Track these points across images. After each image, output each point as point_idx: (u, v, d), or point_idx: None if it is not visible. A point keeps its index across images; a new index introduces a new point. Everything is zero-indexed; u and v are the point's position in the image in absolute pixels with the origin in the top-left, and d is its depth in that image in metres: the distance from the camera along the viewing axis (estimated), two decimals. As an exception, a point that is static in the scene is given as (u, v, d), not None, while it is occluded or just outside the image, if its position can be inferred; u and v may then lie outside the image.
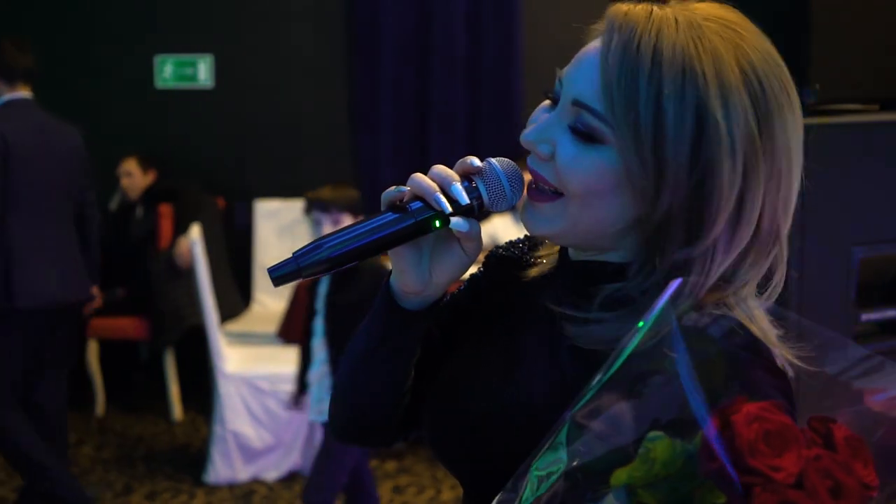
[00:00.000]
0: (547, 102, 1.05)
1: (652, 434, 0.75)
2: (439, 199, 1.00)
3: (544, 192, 1.01)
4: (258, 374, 4.49)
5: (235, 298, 5.62)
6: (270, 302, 5.83)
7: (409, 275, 1.05)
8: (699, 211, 0.94)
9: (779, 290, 1.04)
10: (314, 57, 5.85)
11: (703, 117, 0.92)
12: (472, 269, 1.17)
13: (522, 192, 1.04)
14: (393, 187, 1.02)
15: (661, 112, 0.92)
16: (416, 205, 1.01)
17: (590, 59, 0.99)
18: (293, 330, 4.84)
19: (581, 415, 0.81)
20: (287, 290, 5.62)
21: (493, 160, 1.04)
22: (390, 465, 4.77)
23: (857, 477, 0.74)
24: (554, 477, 0.79)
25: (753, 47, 0.95)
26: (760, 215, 0.97)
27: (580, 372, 0.92)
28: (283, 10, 5.87)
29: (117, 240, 5.66)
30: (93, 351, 5.43)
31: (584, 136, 0.97)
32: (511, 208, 1.06)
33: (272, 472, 4.55)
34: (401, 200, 1.01)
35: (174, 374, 5.43)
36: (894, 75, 1.76)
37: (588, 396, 0.81)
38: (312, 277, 1.00)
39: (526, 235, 1.21)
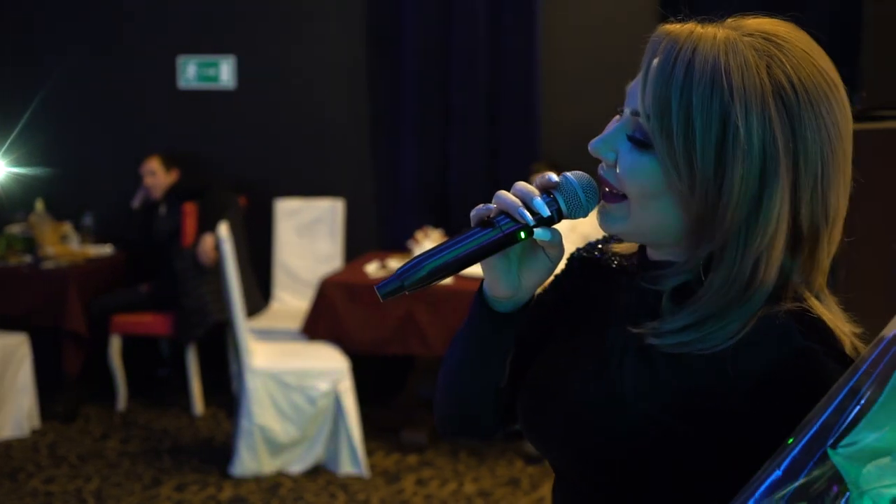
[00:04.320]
0: (617, 117, 1.15)
1: None
2: (523, 212, 1.11)
3: (612, 195, 1.13)
4: (285, 370, 4.57)
5: (257, 296, 5.72)
6: (290, 299, 5.93)
7: (501, 282, 1.17)
8: (717, 208, 1.04)
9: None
10: (336, 58, 5.94)
11: (726, 126, 1.02)
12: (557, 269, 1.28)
13: (597, 200, 1.15)
14: (481, 205, 1.14)
15: (690, 123, 1.02)
16: (503, 219, 1.12)
17: (644, 75, 1.09)
18: (317, 327, 4.94)
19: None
20: (309, 288, 5.73)
21: (568, 174, 1.15)
22: (412, 459, 4.86)
23: None
24: None
25: (791, 56, 1.04)
26: (797, 216, 1.05)
27: (673, 366, 1.08)
28: (305, 11, 5.95)
29: (140, 238, 5.76)
30: (115, 347, 5.51)
31: (640, 143, 1.08)
32: (586, 215, 1.17)
33: (297, 465, 4.64)
34: (488, 216, 1.13)
35: (196, 370, 5.52)
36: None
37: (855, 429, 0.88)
38: (415, 291, 1.10)
39: (603, 236, 1.32)
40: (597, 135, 1.14)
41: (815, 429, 0.89)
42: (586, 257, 1.31)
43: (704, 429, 1.05)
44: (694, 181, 1.04)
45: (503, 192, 1.13)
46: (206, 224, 5.41)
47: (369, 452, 4.82)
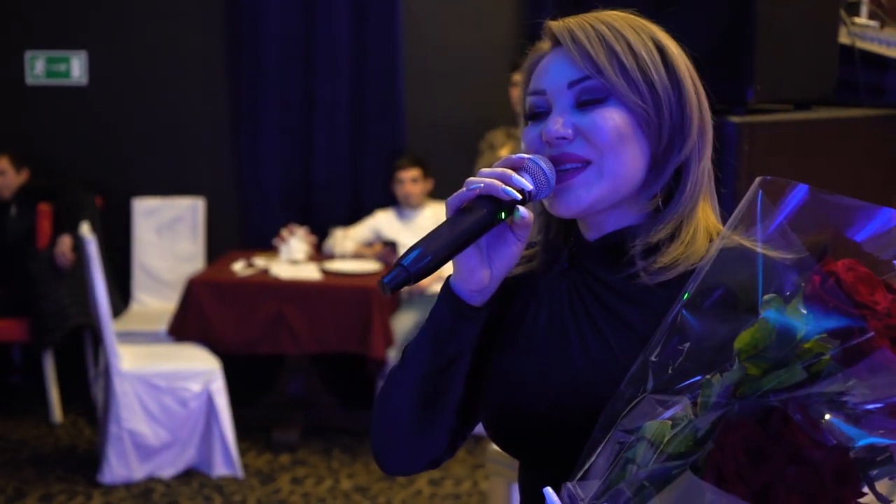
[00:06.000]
0: (538, 126, 1.21)
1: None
2: (508, 190, 1.12)
3: (571, 169, 1.17)
4: (155, 372, 4.47)
5: (116, 298, 5.55)
6: (151, 301, 5.79)
7: (476, 272, 1.17)
8: (683, 119, 1.18)
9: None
10: (195, 54, 5.81)
11: (660, 47, 1.19)
12: None
13: (555, 179, 1.18)
14: (461, 190, 1.14)
15: (635, 53, 1.16)
16: (481, 203, 1.12)
17: (556, 59, 1.21)
18: (185, 327, 4.84)
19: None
20: (170, 289, 5.61)
21: (532, 155, 1.18)
22: (285, 458, 4.83)
23: None
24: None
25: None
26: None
27: (644, 317, 1.17)
28: (162, 6, 5.81)
29: (-10, 240, 5.51)
30: (-35, 355, 5.28)
31: (592, 102, 1.17)
32: (549, 195, 1.19)
33: (169, 469, 4.55)
34: (467, 203, 1.13)
35: (53, 376, 5.32)
36: (820, 78, 2.00)
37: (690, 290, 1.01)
38: (420, 279, 1.08)
39: None
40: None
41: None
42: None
43: None
44: (658, 99, 1.17)
45: (476, 178, 1.14)
46: (63, 225, 5.22)
47: (241, 453, 4.76)
